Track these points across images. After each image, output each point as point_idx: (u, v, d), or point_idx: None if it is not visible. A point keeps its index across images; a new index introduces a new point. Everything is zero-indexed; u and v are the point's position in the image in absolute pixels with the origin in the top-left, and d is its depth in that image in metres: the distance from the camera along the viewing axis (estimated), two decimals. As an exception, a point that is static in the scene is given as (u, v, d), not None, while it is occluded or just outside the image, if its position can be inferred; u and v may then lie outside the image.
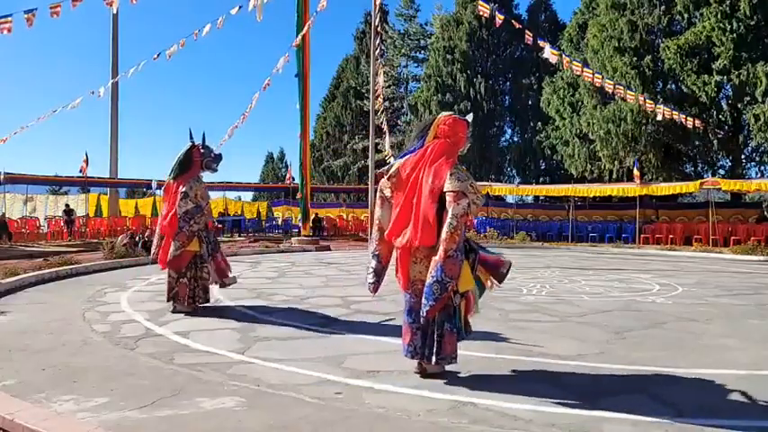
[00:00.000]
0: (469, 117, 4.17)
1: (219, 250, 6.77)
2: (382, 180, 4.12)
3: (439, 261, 3.60)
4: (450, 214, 3.60)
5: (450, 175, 3.69)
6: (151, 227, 20.70)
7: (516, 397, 3.44)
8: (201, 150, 6.61)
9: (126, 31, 68.70)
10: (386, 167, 4.29)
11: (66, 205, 23.02)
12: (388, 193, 4.05)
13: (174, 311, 6.31)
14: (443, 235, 3.60)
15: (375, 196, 4.17)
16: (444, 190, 3.67)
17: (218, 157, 6.75)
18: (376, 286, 4.07)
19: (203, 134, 6.75)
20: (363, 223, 26.09)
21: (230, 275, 6.72)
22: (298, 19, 17.95)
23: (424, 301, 3.66)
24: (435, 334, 3.75)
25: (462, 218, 3.62)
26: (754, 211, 23.55)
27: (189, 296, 6.36)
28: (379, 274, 4.04)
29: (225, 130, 16.24)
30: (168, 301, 6.40)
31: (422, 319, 3.73)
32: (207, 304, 6.63)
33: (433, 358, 3.74)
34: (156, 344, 4.77)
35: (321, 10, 15.89)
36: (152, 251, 6.83)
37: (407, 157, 4.04)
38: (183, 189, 6.32)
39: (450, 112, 4.16)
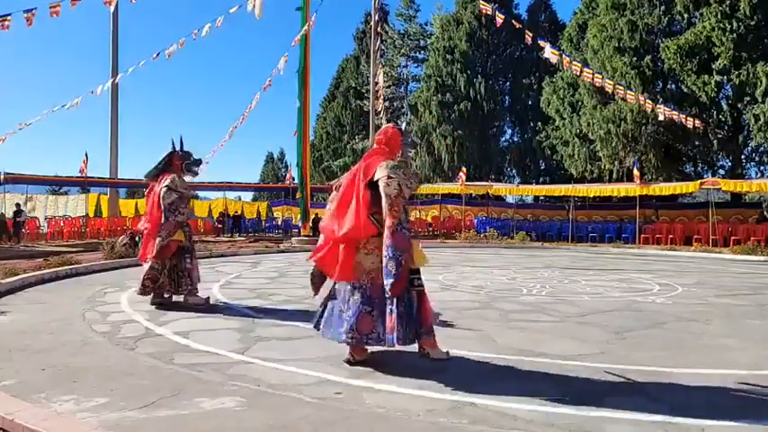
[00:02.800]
0: (402, 125, 4.53)
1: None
2: (332, 194, 4.38)
3: (387, 239, 3.84)
4: (383, 195, 3.92)
5: (380, 165, 4.05)
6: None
7: (516, 397, 3.44)
8: (181, 154, 6.95)
9: (126, 31, 68.76)
10: (334, 181, 4.56)
11: (17, 205, 20.32)
12: (332, 206, 4.28)
13: (153, 303, 6.56)
14: (384, 215, 3.91)
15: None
16: (375, 179, 4.01)
17: (198, 161, 7.13)
18: (319, 287, 4.44)
19: (180, 138, 7.08)
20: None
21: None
22: (302, 17, 17.96)
23: (385, 280, 3.84)
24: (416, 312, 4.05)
25: (397, 198, 3.91)
26: (754, 211, 23.57)
27: (171, 287, 6.65)
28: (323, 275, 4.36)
29: (225, 130, 16.27)
30: (150, 293, 6.58)
31: (387, 299, 3.87)
32: (201, 300, 6.73)
33: (381, 339, 3.99)
34: (156, 344, 4.77)
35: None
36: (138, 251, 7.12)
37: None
38: (166, 183, 6.63)
39: (391, 124, 4.52)
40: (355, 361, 4.08)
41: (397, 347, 3.94)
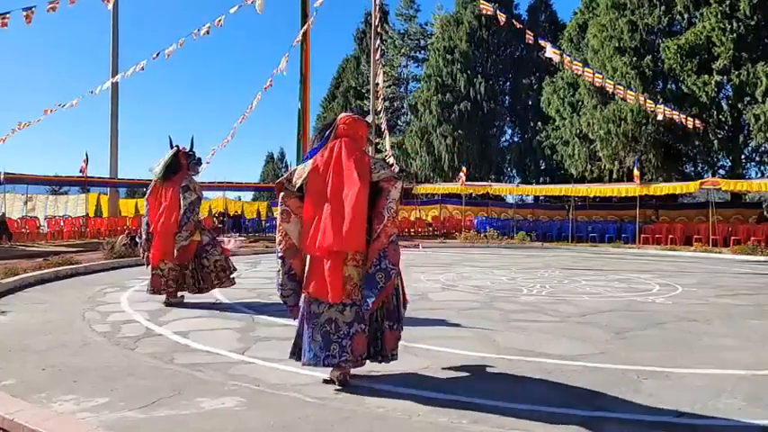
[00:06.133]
0: (369, 118, 4.10)
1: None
2: (283, 193, 3.75)
3: (382, 247, 3.49)
4: (389, 199, 3.55)
5: (374, 164, 3.64)
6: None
7: (516, 397, 3.44)
8: (189, 154, 7.01)
9: (126, 31, 68.79)
10: (283, 177, 3.84)
11: None
12: (293, 203, 3.71)
13: (166, 304, 6.57)
14: (384, 221, 3.51)
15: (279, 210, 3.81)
16: (375, 179, 3.58)
17: (200, 161, 7.21)
18: (299, 308, 3.71)
19: (192, 138, 7.16)
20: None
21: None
22: (301, 18, 17.95)
23: (366, 292, 3.46)
24: (378, 332, 3.68)
25: (398, 201, 3.60)
26: (754, 211, 23.57)
27: (195, 286, 6.70)
28: (299, 294, 3.70)
29: (225, 130, 16.32)
30: (170, 292, 6.62)
31: (366, 313, 3.52)
32: (206, 300, 6.77)
33: (379, 357, 3.69)
34: (156, 344, 4.77)
35: (319, 5, 15.90)
36: (143, 253, 7.09)
37: (308, 163, 3.73)
38: (184, 183, 6.70)
39: (349, 113, 4.04)
40: (349, 379, 3.67)
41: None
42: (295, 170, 3.80)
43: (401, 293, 3.82)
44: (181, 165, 6.87)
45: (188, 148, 7.02)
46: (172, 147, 6.98)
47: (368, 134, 4.01)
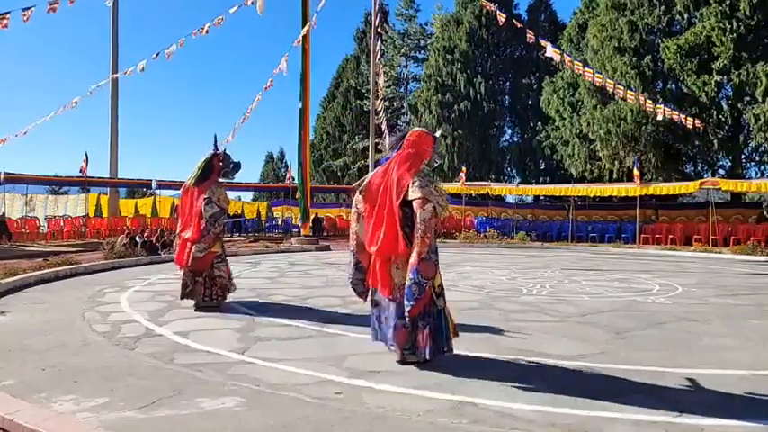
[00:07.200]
0: (437, 133, 4.53)
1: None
2: (356, 195, 4.34)
3: (414, 264, 3.86)
4: (418, 220, 3.87)
5: (413, 183, 3.96)
6: (150, 227, 20.71)
7: (516, 397, 3.44)
8: (222, 157, 7.02)
9: (126, 32, 68.77)
10: (357, 183, 4.47)
11: None
12: (361, 207, 4.30)
13: (197, 309, 6.52)
14: (416, 240, 3.88)
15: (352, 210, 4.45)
16: (409, 198, 3.94)
17: (237, 167, 7.22)
18: (366, 294, 4.40)
19: (225, 147, 7.45)
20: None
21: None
22: (302, 19, 17.95)
23: (405, 301, 3.91)
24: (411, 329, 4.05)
25: (431, 221, 3.90)
26: (754, 211, 23.56)
27: (205, 294, 6.65)
28: (365, 283, 4.37)
29: (225, 130, 16.36)
30: (182, 299, 6.64)
31: (407, 319, 3.95)
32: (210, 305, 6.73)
33: (415, 351, 4.09)
34: (156, 344, 4.77)
35: (320, 8, 15.93)
36: (175, 249, 7.21)
37: (377, 170, 4.33)
38: (207, 195, 6.67)
39: (421, 128, 4.47)
40: (407, 362, 4.11)
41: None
42: (366, 177, 4.39)
43: (448, 317, 4.21)
44: (213, 169, 6.82)
45: (222, 153, 7.03)
46: (215, 145, 7.06)
47: (434, 147, 4.39)
